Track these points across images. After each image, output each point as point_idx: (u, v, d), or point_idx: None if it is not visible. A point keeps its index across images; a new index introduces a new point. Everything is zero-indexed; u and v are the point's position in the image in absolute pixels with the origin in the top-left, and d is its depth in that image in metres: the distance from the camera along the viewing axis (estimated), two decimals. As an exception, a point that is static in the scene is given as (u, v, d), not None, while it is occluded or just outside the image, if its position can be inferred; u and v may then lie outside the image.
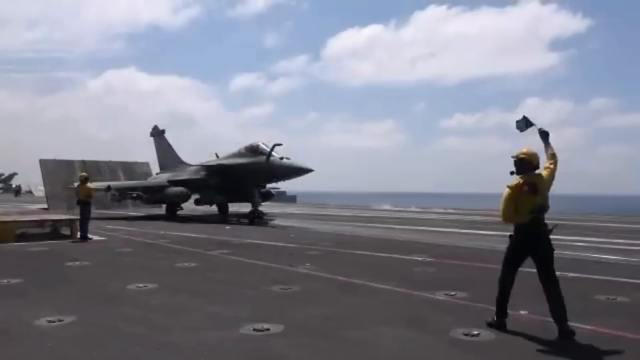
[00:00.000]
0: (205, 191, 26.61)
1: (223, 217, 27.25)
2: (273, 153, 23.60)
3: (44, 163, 36.15)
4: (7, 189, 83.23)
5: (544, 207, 5.62)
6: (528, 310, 6.06)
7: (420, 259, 11.58)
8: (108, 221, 22.75)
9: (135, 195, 28.41)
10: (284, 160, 23.64)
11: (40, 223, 16.50)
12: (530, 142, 6.00)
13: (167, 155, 34.51)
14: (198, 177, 27.24)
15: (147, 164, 39.76)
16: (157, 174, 34.73)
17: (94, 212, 17.89)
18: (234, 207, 28.78)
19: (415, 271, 10.07)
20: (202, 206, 28.07)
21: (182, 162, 32.64)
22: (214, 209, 28.73)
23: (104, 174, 35.61)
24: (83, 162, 36.75)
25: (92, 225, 16.37)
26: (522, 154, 5.71)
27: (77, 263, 10.99)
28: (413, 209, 36.73)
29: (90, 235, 15.70)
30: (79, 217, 15.98)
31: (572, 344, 5.48)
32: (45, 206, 32.95)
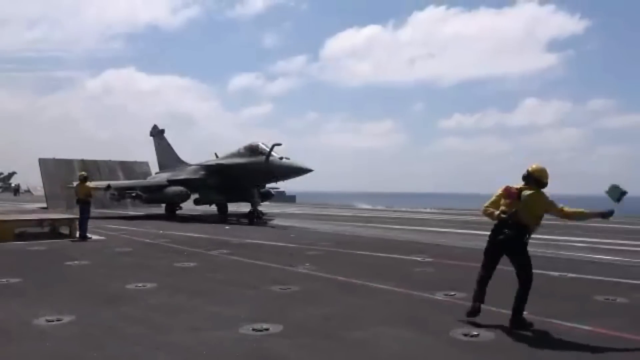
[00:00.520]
0: (205, 191, 26.58)
1: (222, 216, 27.24)
2: (272, 153, 23.60)
3: (43, 162, 36.12)
4: (7, 188, 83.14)
5: (516, 216, 5.95)
6: (527, 310, 6.06)
7: (419, 259, 11.58)
8: (107, 220, 22.73)
9: (134, 194, 28.39)
10: (284, 160, 23.64)
11: (40, 222, 16.48)
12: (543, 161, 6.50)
13: (166, 154, 34.49)
14: (197, 176, 27.21)
15: (146, 164, 39.74)
16: (156, 173, 34.71)
17: (93, 211, 17.88)
18: (233, 207, 28.77)
19: (415, 271, 10.08)
20: (202, 206, 28.05)
21: (181, 162, 32.62)
22: (213, 208, 28.72)
23: (103, 174, 35.59)
24: (82, 161, 36.74)
25: (91, 224, 16.36)
26: (531, 168, 6.15)
27: (76, 262, 10.98)
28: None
29: (89, 235, 15.68)
30: (78, 217, 15.97)
31: (571, 344, 5.49)
32: (45, 205, 32.93)
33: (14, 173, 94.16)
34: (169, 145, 34.77)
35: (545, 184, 6.16)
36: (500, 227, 6.11)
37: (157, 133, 35.76)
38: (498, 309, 6.52)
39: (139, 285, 8.41)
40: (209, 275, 9.57)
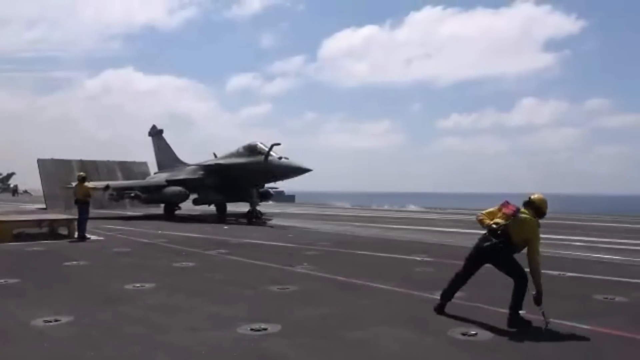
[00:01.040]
0: (204, 191, 26.56)
1: (221, 216, 27.22)
2: (271, 153, 23.60)
3: (42, 163, 36.09)
4: (5, 188, 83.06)
5: (506, 229, 6.13)
6: (525, 309, 6.06)
7: (419, 258, 11.58)
8: (106, 221, 22.70)
9: (133, 194, 28.35)
10: (282, 159, 23.63)
11: (38, 223, 16.45)
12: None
13: (165, 154, 34.47)
14: (196, 176, 27.19)
15: (145, 164, 39.72)
16: (155, 173, 34.68)
17: (92, 211, 17.86)
18: (232, 207, 28.75)
19: (414, 271, 10.08)
20: (200, 206, 28.04)
21: (180, 162, 32.60)
22: (212, 208, 28.70)
23: (102, 174, 35.55)
24: (81, 161, 36.71)
25: (90, 225, 16.34)
26: (534, 197, 6.44)
27: (74, 263, 10.96)
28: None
29: (88, 235, 15.67)
30: (76, 217, 15.95)
31: (570, 343, 5.49)
32: (43, 206, 32.90)
33: (12, 174, 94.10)
34: (167, 145, 34.75)
35: (543, 214, 6.39)
36: (488, 236, 6.27)
37: (155, 133, 35.74)
38: (496, 308, 6.53)
39: (138, 285, 8.39)
40: (208, 275, 9.55)
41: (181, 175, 28.34)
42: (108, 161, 39.19)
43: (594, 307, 7.15)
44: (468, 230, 16.88)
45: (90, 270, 10.35)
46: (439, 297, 6.68)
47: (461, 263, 6.67)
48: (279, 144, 23.92)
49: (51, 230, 16.16)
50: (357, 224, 22.70)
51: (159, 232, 18.16)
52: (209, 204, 27.96)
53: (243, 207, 26.21)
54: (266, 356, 5.10)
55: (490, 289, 7.11)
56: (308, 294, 7.92)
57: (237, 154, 25.78)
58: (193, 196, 26.88)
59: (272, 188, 29.38)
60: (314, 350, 5.26)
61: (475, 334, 5.73)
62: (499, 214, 6.34)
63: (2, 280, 8.77)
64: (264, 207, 27.79)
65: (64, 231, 16.14)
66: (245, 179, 24.83)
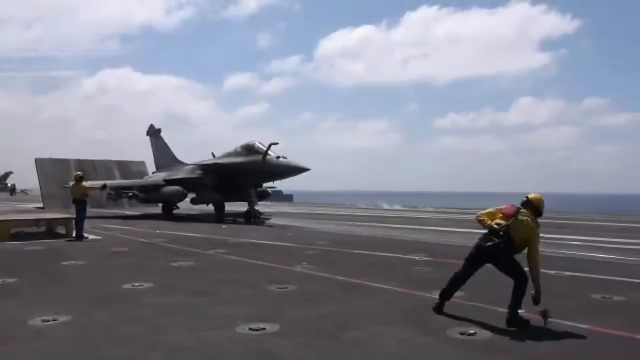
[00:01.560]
0: (202, 190, 26.55)
1: (219, 216, 27.20)
2: (269, 152, 23.59)
3: (39, 162, 36.02)
4: (3, 188, 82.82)
5: (507, 230, 6.14)
6: (524, 308, 6.06)
7: (417, 258, 11.58)
8: (104, 220, 22.66)
9: (131, 194, 28.32)
10: (280, 159, 23.62)
11: (36, 222, 16.42)
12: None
13: (163, 154, 34.42)
14: (194, 176, 27.17)
15: (143, 163, 39.69)
16: (153, 173, 34.64)
17: (90, 211, 17.83)
18: (230, 207, 28.72)
19: (413, 270, 10.08)
20: (199, 205, 28.02)
21: (178, 161, 32.57)
22: (210, 208, 28.67)
23: (100, 173, 35.53)
24: (79, 161, 36.66)
25: (87, 224, 16.31)
26: (531, 196, 6.44)
27: (72, 262, 10.94)
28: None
29: (85, 235, 15.64)
30: (74, 216, 15.92)
31: (568, 343, 5.49)
32: (41, 205, 32.83)
33: (10, 173, 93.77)
34: (165, 144, 34.70)
35: (541, 213, 6.39)
36: (489, 236, 6.27)
37: (153, 132, 35.70)
38: (495, 307, 6.53)
39: (136, 285, 8.38)
40: (206, 275, 9.53)
41: (179, 174, 28.31)
42: (106, 160, 39.15)
43: (592, 307, 7.15)
44: (466, 230, 16.90)
45: (88, 269, 10.33)
46: (437, 297, 6.68)
47: (460, 262, 6.67)
48: (276, 144, 23.94)
49: (49, 230, 16.13)
50: (355, 223, 22.70)
51: (157, 231, 18.13)
52: (207, 204, 27.95)
53: (241, 207, 26.18)
54: (265, 356, 5.08)
55: (489, 289, 7.11)
56: (307, 293, 7.91)
57: (235, 154, 25.77)
58: (191, 195, 26.86)
59: (270, 187, 29.38)
60: (313, 350, 5.25)
61: (474, 333, 5.73)
62: (499, 215, 6.35)
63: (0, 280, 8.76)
64: (262, 206, 27.77)
65: (61, 230, 16.11)
66: (243, 179, 24.82)
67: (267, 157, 23.50)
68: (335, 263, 10.93)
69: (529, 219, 6.22)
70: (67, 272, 10.02)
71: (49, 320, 6.15)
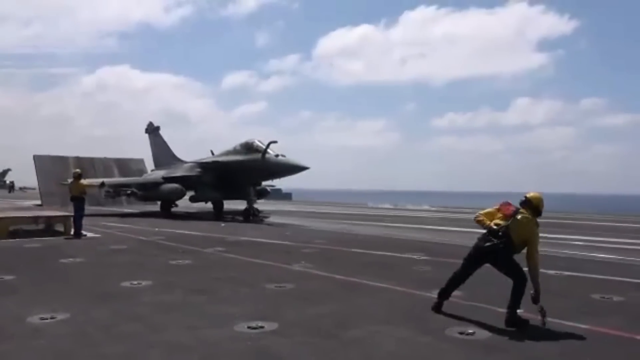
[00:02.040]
0: (201, 188, 26.52)
1: (218, 214, 27.17)
2: (268, 150, 23.57)
3: (38, 159, 35.95)
4: (1, 185, 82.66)
5: (507, 230, 6.13)
6: (523, 308, 6.06)
7: (416, 257, 11.58)
8: (102, 218, 22.63)
9: (129, 191, 28.29)
10: (279, 157, 23.61)
11: (34, 219, 16.39)
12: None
13: (162, 152, 34.39)
14: (193, 174, 27.14)
15: (141, 161, 39.63)
16: (152, 170, 34.61)
17: (89, 208, 17.79)
18: (229, 205, 28.70)
19: (412, 269, 10.07)
20: (197, 203, 27.99)
21: (177, 159, 32.53)
22: (209, 206, 28.65)
23: (99, 171, 35.47)
24: (77, 158, 36.58)
25: (86, 221, 16.27)
26: (530, 195, 6.40)
27: (70, 260, 10.91)
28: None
29: (84, 232, 15.59)
30: (73, 214, 15.89)
31: (567, 342, 5.49)
32: (39, 202, 32.77)
33: (8, 170, 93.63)
34: (164, 142, 34.66)
35: (540, 213, 6.36)
36: (488, 236, 6.25)
37: (152, 130, 35.65)
38: (494, 307, 6.52)
39: (134, 282, 8.36)
40: (204, 273, 9.52)
41: (178, 172, 28.28)
42: (105, 158, 39.08)
43: (591, 307, 7.15)
44: (465, 229, 16.89)
45: (86, 267, 10.30)
46: (436, 296, 6.67)
47: (459, 262, 6.66)
48: (275, 142, 23.93)
49: (47, 227, 16.10)
50: (354, 221, 22.69)
51: (156, 229, 18.11)
52: (206, 202, 27.92)
53: (240, 205, 26.17)
54: (263, 354, 5.07)
55: (488, 288, 7.11)
56: (305, 292, 7.90)
57: (234, 152, 25.75)
58: (190, 193, 26.84)
59: (269, 186, 29.38)
60: (312, 349, 5.24)
61: (473, 332, 5.72)
62: (498, 215, 6.33)
63: (-3, 277, 8.73)
64: (260, 204, 27.75)
65: (60, 228, 16.09)
66: (242, 177, 24.80)
67: (266, 155, 23.49)
68: (334, 262, 10.93)
69: (528, 218, 6.19)
70: (66, 269, 10.00)
71: (47, 318, 6.14)
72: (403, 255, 11.83)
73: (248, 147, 24.85)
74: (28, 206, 29.63)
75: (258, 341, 5.41)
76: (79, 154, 38.14)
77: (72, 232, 15.54)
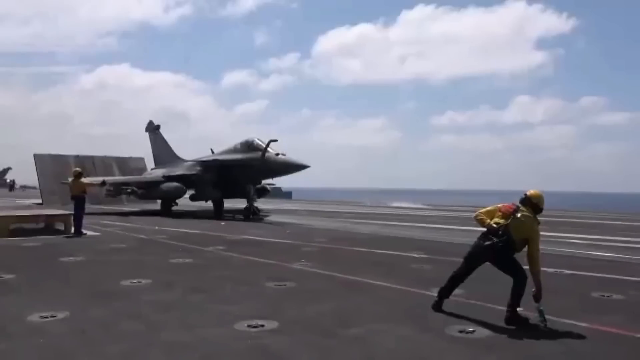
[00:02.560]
0: (201, 187, 26.51)
1: (218, 213, 27.15)
2: (269, 149, 23.55)
3: (38, 158, 35.98)
4: (2, 184, 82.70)
5: (506, 229, 6.12)
6: (523, 306, 6.06)
7: (416, 255, 11.58)
8: (102, 216, 22.64)
9: (130, 190, 28.28)
10: (280, 156, 23.59)
11: (35, 218, 16.40)
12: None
13: (162, 150, 34.38)
14: (193, 172, 27.14)
15: (142, 160, 39.65)
16: (152, 169, 34.61)
17: (89, 207, 17.80)
18: (229, 203, 28.70)
19: (412, 268, 10.08)
20: (197, 202, 27.98)
21: (177, 158, 32.52)
22: (209, 204, 28.64)
23: (99, 169, 35.49)
24: (77, 157, 36.62)
25: (86, 220, 16.28)
26: (530, 193, 6.40)
27: (71, 258, 10.91)
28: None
29: (84, 231, 15.61)
30: (73, 213, 15.89)
31: (567, 341, 5.48)
32: (40, 201, 32.80)
33: (9, 169, 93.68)
34: (164, 141, 34.65)
35: (541, 210, 6.35)
36: (488, 235, 6.23)
37: (152, 129, 35.63)
38: (494, 305, 6.52)
39: (134, 281, 8.36)
40: (205, 272, 9.52)
41: (178, 171, 28.27)
42: (105, 157, 39.10)
43: (591, 305, 7.15)
44: (465, 227, 16.89)
45: (86, 266, 10.30)
46: (436, 294, 6.67)
47: (459, 260, 6.65)
48: (276, 140, 23.89)
49: (48, 226, 16.12)
50: (354, 220, 22.69)
51: (156, 228, 18.11)
52: (206, 200, 27.90)
53: (240, 204, 26.16)
54: (263, 353, 5.07)
55: (488, 287, 7.10)
56: (306, 290, 7.90)
57: (235, 150, 25.73)
58: (190, 192, 26.83)
59: (269, 184, 29.37)
60: (312, 347, 5.24)
61: (473, 331, 5.72)
62: (498, 213, 6.31)
63: (-3, 276, 8.73)
64: (261, 203, 27.75)
65: (60, 226, 16.10)
66: (242, 175, 24.78)
67: (267, 154, 23.47)
68: (334, 260, 10.92)
69: (528, 216, 6.18)
70: (66, 268, 10.00)
71: (47, 317, 6.13)
72: (403, 254, 11.83)
73: (248, 146, 24.83)
74: (29, 205, 29.68)
75: (258, 340, 5.41)
76: (79, 152, 38.20)
77: (72, 231, 15.55)
